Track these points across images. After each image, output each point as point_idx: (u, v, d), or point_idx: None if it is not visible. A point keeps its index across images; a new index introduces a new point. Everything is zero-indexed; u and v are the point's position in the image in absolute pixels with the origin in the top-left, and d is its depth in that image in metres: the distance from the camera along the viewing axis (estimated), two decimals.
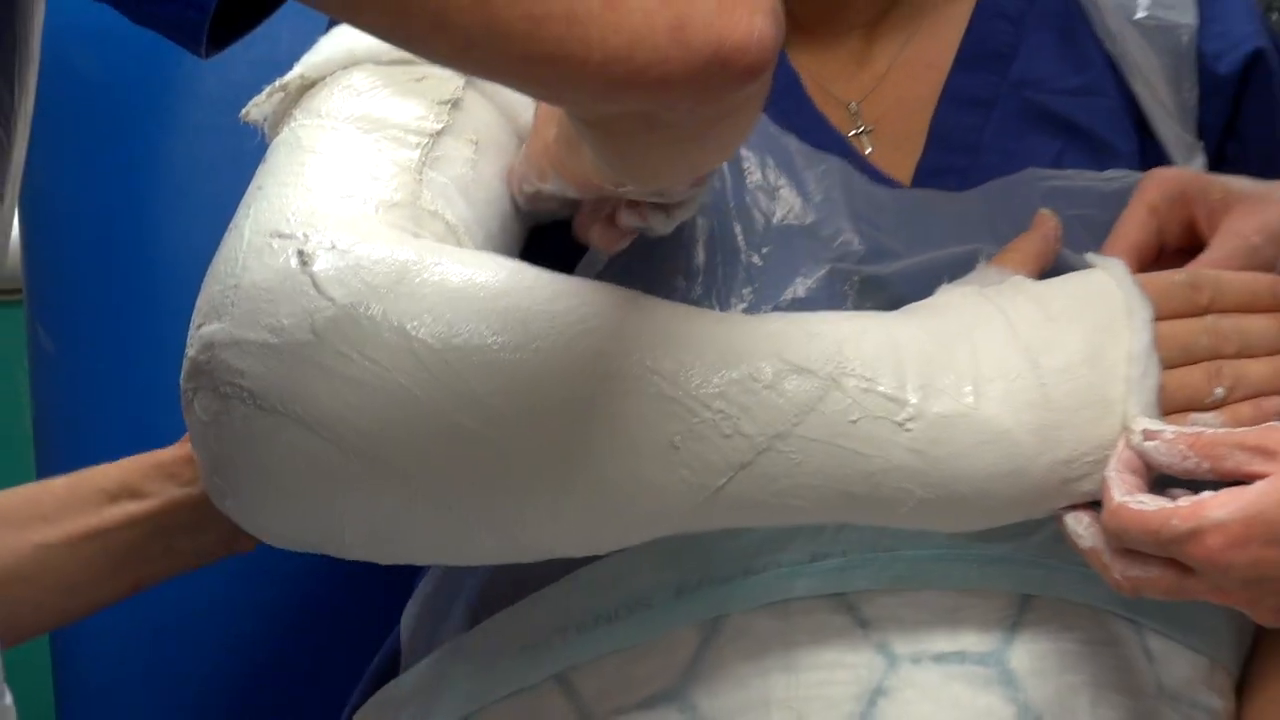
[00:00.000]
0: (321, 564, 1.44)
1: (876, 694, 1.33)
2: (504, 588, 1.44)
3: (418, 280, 1.26)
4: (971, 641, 1.35)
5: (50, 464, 1.78)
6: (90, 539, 1.49)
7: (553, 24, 1.03)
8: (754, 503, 1.29)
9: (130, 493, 1.51)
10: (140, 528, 1.50)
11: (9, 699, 1.21)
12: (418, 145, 1.38)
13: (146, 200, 1.64)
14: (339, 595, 1.59)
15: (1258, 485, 1.17)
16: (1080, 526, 1.26)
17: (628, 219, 1.39)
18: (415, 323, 1.24)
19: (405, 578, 1.53)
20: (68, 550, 1.48)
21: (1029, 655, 1.35)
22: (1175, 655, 1.41)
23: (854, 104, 1.58)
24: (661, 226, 1.40)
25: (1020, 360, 1.31)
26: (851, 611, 1.36)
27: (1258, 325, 1.37)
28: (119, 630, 1.74)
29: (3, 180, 1.17)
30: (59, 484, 1.54)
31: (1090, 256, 1.40)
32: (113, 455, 1.51)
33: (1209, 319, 1.36)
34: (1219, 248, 1.43)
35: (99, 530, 1.49)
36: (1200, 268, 1.41)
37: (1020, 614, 1.37)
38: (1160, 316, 1.34)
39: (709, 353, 1.28)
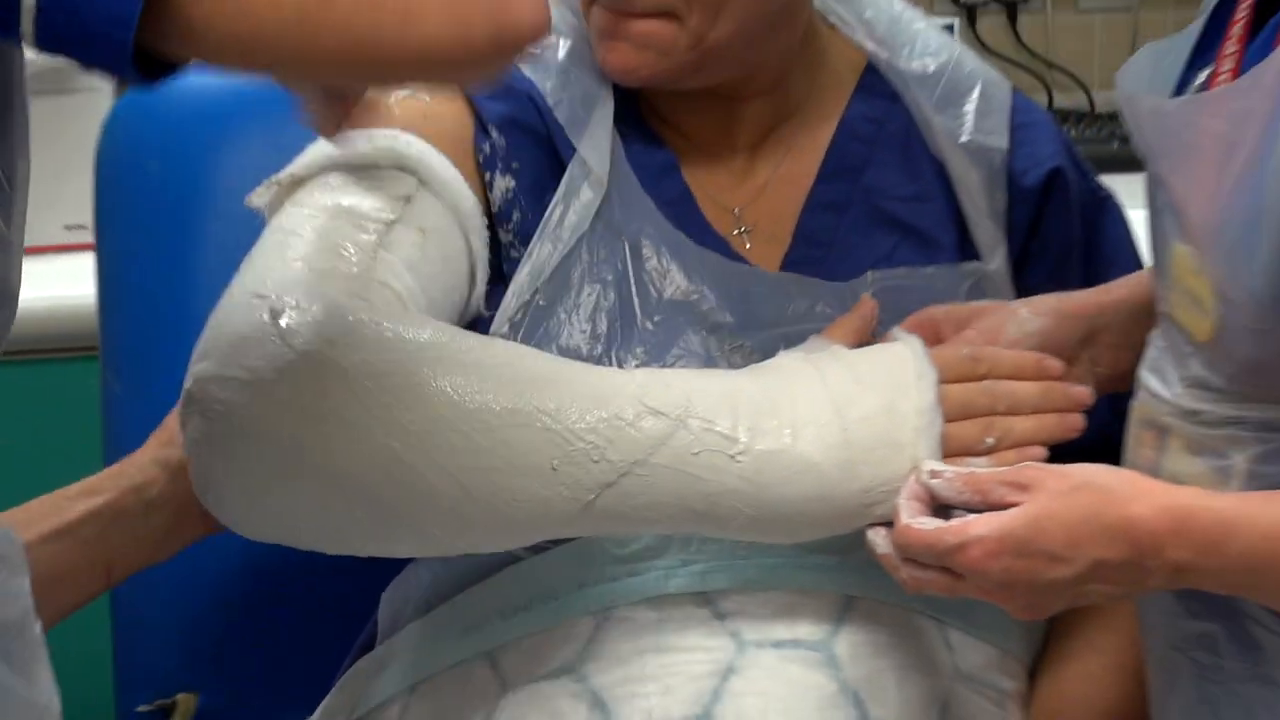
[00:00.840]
0: (322, 561, 1.42)
1: (729, 671, 1.35)
2: (448, 585, 1.46)
3: (359, 335, 1.29)
4: (805, 631, 1.37)
5: None
6: (60, 535, 1.48)
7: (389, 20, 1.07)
8: (618, 514, 1.32)
9: (88, 492, 1.51)
10: (99, 519, 1.50)
11: (38, 628, 1.23)
12: (375, 230, 1.39)
13: (199, 267, 1.65)
14: (332, 585, 1.57)
15: (1011, 511, 1.21)
16: (878, 538, 1.29)
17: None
18: (355, 367, 1.28)
19: (387, 573, 1.54)
20: (42, 548, 1.45)
21: (849, 644, 1.38)
22: (971, 646, 1.43)
23: (737, 209, 1.57)
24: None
25: (829, 410, 1.34)
26: (711, 605, 1.38)
27: (1024, 390, 1.40)
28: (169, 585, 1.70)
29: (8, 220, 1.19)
30: (34, 502, 1.53)
31: (895, 331, 1.43)
32: None
33: (986, 383, 1.40)
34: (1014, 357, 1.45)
35: (66, 527, 1.49)
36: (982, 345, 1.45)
37: (844, 611, 1.40)
38: (945, 380, 1.37)
39: (584, 397, 1.31)
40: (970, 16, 3.06)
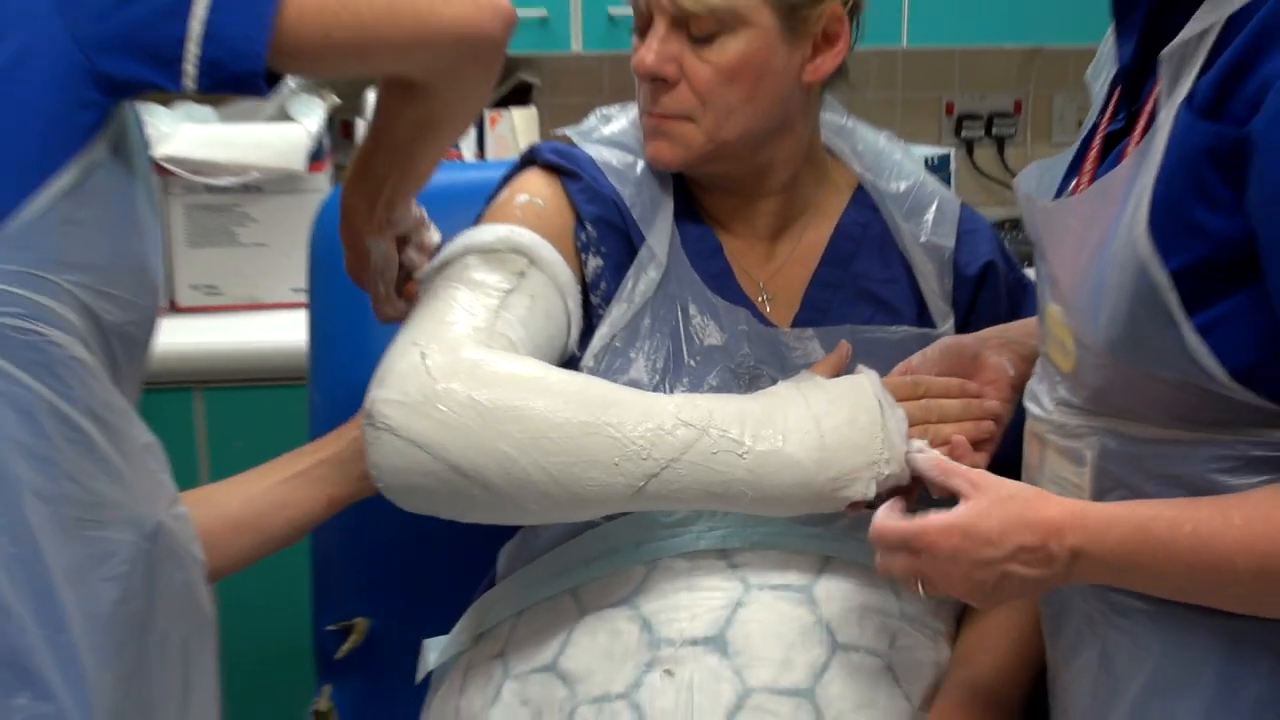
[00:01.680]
0: (459, 526, 1.47)
1: (738, 605, 1.41)
2: (544, 544, 1.53)
3: (482, 370, 1.37)
4: (794, 579, 1.44)
5: None
6: (297, 477, 1.56)
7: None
8: (660, 496, 1.38)
9: (316, 449, 1.58)
10: (324, 465, 1.56)
11: (181, 508, 1.32)
12: (497, 297, 1.45)
13: (376, 321, 1.62)
14: (465, 542, 1.58)
15: (961, 506, 1.24)
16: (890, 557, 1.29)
17: (405, 258, 1.53)
18: (478, 393, 1.35)
19: (502, 536, 1.60)
20: (282, 486, 1.55)
21: (825, 589, 1.44)
22: (913, 596, 1.42)
23: (762, 282, 1.59)
24: (416, 262, 1.54)
25: (810, 422, 1.39)
26: (727, 559, 1.45)
27: (950, 405, 1.45)
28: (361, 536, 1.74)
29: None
30: (279, 457, 1.60)
31: (859, 367, 1.47)
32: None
33: (923, 401, 1.45)
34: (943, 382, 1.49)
35: (301, 471, 1.56)
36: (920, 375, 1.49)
37: (823, 566, 1.46)
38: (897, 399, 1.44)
39: (637, 414, 1.37)
40: (969, 148, 3.07)
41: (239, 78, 1.17)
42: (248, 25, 1.16)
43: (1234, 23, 1.10)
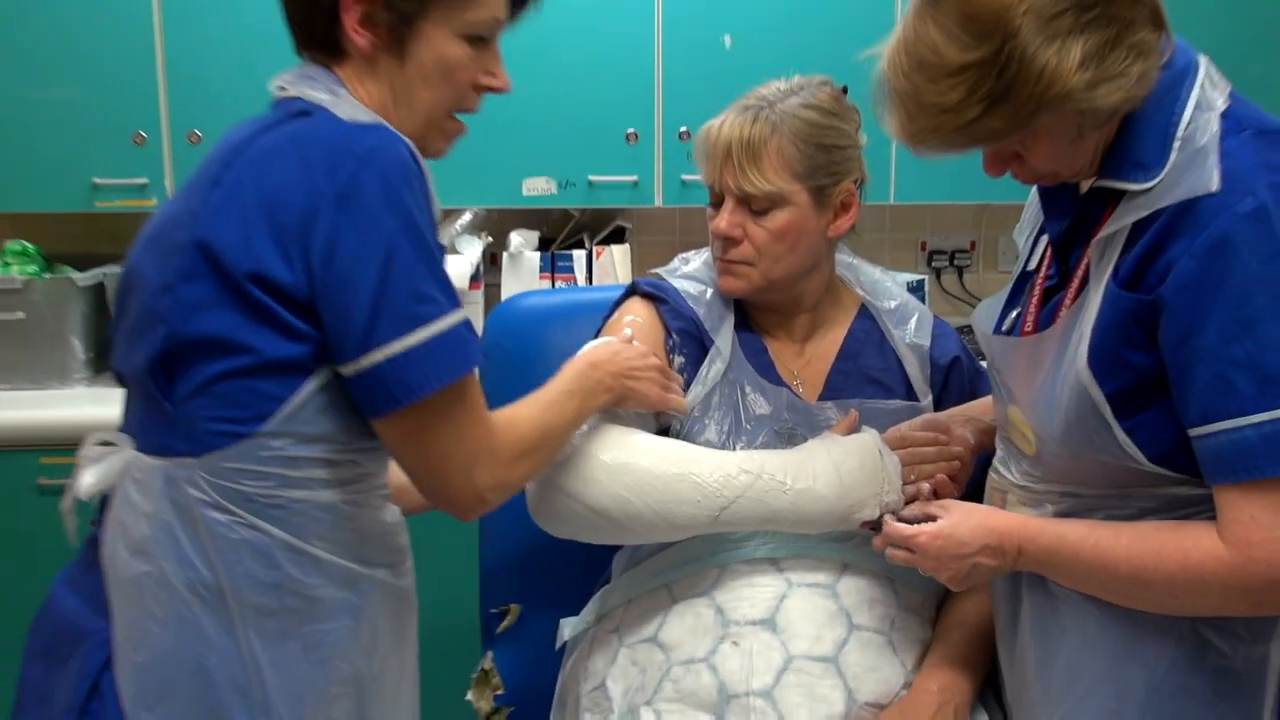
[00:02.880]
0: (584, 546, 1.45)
1: (783, 597, 1.41)
2: (646, 553, 1.52)
3: (606, 438, 1.39)
4: (822, 579, 1.43)
5: None
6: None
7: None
8: (729, 522, 1.40)
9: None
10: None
11: (396, 514, 1.23)
12: None
13: None
14: (590, 550, 1.51)
15: (941, 520, 1.26)
16: (876, 539, 1.33)
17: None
18: (604, 454, 1.37)
19: (615, 547, 1.55)
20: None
21: (845, 586, 1.44)
22: (908, 593, 1.46)
23: (795, 371, 1.57)
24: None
25: (831, 468, 1.40)
26: (776, 565, 1.44)
27: (928, 452, 1.44)
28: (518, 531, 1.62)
29: None
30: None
31: (865, 428, 1.47)
32: None
33: (908, 450, 1.44)
34: (922, 434, 1.47)
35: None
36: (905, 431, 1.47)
37: (844, 570, 1.45)
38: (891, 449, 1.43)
39: (711, 465, 1.39)
40: (938, 275, 3.01)
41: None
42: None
43: (1141, 224, 1.11)
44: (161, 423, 1.12)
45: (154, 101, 2.42)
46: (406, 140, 1.09)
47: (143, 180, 2.44)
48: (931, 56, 1.07)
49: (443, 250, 1.12)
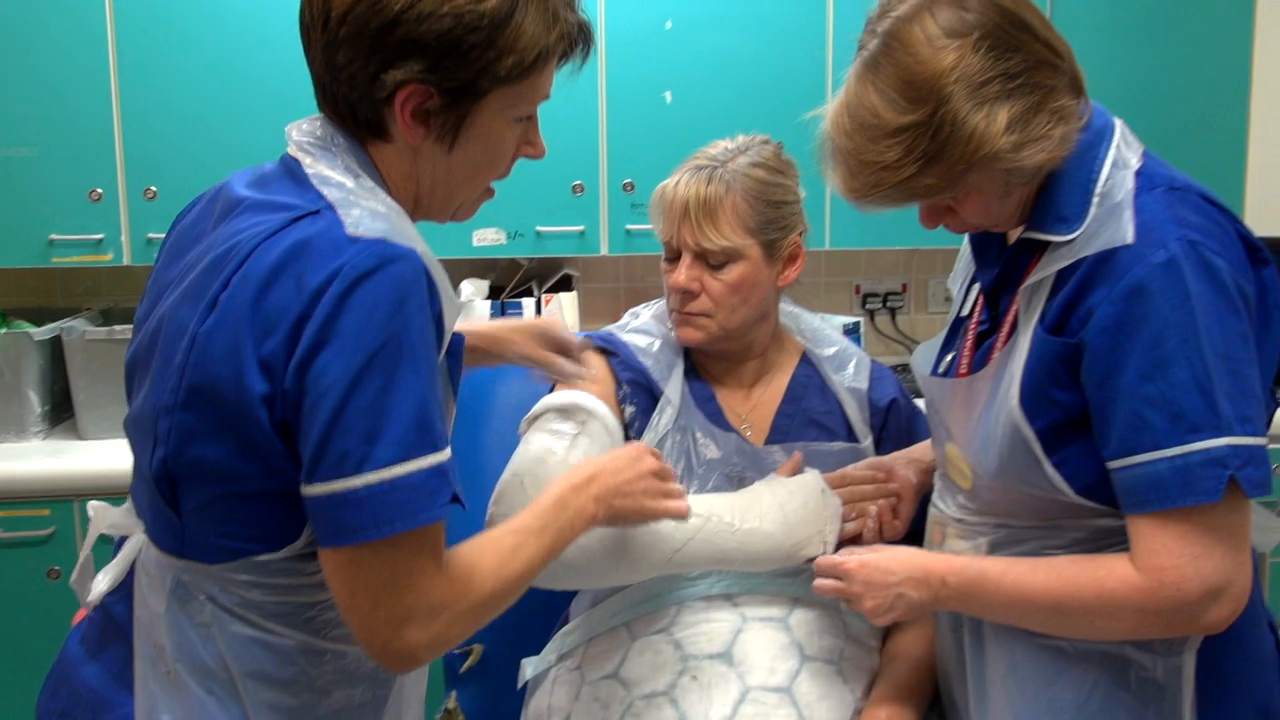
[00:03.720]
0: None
1: (739, 631, 1.42)
2: (606, 593, 1.51)
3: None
4: (776, 612, 1.45)
5: None
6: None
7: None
8: (683, 564, 1.41)
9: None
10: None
11: None
12: (569, 438, 1.47)
13: (490, 464, 1.54)
14: (549, 593, 1.48)
15: (867, 551, 1.29)
16: (822, 582, 1.32)
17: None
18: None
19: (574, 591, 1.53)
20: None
21: (796, 620, 1.45)
22: (858, 623, 1.47)
23: (743, 415, 1.59)
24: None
25: (776, 508, 1.43)
26: (731, 600, 1.46)
27: (868, 489, 1.47)
28: None
29: None
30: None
31: (808, 469, 1.48)
32: None
33: (849, 488, 1.48)
34: (861, 473, 1.51)
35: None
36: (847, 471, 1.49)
37: (794, 604, 1.46)
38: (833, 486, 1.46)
39: None
40: (871, 317, 3.03)
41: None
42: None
43: (1064, 273, 1.16)
44: (171, 525, 1.07)
45: (111, 158, 2.42)
46: (412, 252, 0.99)
47: (99, 236, 2.43)
48: (871, 119, 1.12)
49: (434, 372, 1.01)
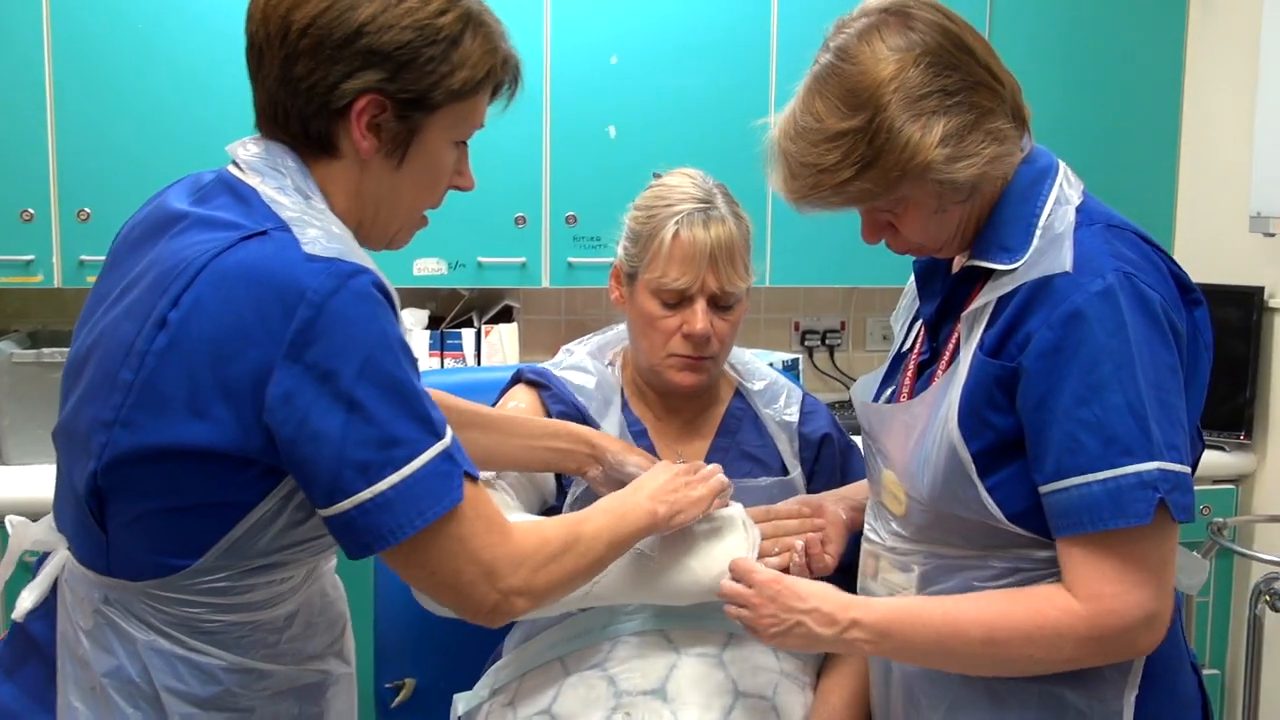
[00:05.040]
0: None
1: (674, 667, 1.42)
2: (539, 627, 1.50)
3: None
4: (710, 649, 1.44)
5: None
6: (541, 445, 1.46)
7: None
8: (601, 597, 1.39)
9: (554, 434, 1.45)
10: (562, 439, 1.45)
11: (337, 584, 1.21)
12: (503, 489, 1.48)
13: None
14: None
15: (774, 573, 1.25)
16: (731, 583, 1.28)
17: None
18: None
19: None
20: (537, 444, 1.46)
21: (730, 655, 1.44)
22: (788, 659, 1.48)
23: (679, 450, 1.59)
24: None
25: (696, 541, 1.39)
26: (665, 635, 1.46)
27: (792, 524, 1.46)
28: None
29: None
30: (532, 421, 1.49)
31: (730, 504, 1.43)
32: None
33: (774, 522, 1.46)
34: (786, 508, 1.50)
35: (546, 444, 1.45)
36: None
37: (728, 640, 1.46)
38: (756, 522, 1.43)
39: None
40: (810, 353, 3.05)
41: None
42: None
43: (1004, 300, 1.18)
44: (96, 541, 1.08)
45: (44, 178, 2.38)
46: (369, 269, 1.02)
47: (29, 257, 2.39)
48: (814, 123, 1.16)
49: (416, 371, 1.04)
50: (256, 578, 1.09)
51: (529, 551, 1.09)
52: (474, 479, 1.06)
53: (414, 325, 2.71)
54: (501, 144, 2.58)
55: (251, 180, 1.07)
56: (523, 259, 2.62)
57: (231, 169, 1.10)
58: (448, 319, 2.82)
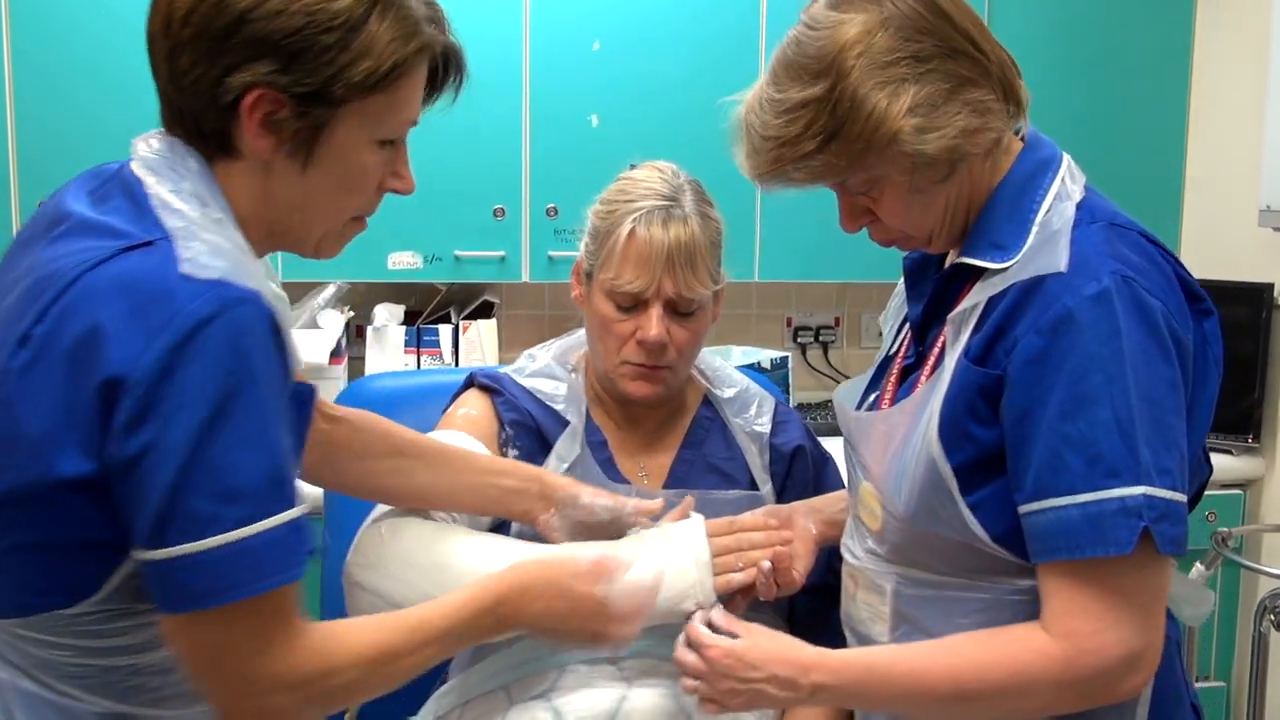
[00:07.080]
0: None
1: (623, 699, 1.36)
2: (485, 653, 1.44)
3: (424, 538, 1.35)
4: (663, 678, 1.37)
5: None
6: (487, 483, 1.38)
7: None
8: None
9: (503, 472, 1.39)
10: (511, 478, 1.38)
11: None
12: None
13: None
14: None
15: (739, 639, 1.21)
16: (684, 652, 1.24)
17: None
18: (419, 556, 1.33)
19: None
20: (482, 482, 1.38)
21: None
22: None
23: (641, 463, 1.55)
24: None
25: (652, 557, 1.34)
26: (615, 664, 1.39)
27: (756, 536, 1.39)
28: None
29: None
30: (480, 456, 1.42)
31: (692, 514, 1.40)
32: None
33: (737, 535, 1.39)
34: (752, 519, 1.43)
35: (492, 482, 1.38)
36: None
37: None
38: (714, 535, 1.37)
39: (522, 556, 1.29)
40: (803, 351, 3.01)
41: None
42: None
43: (993, 301, 1.12)
44: None
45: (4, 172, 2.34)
46: (252, 294, 0.94)
47: None
48: (778, 94, 1.12)
49: (291, 426, 0.98)
50: (131, 620, 1.00)
51: (317, 671, 0.99)
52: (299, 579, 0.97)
53: (389, 321, 2.67)
54: (479, 133, 2.55)
55: (148, 181, 1.00)
56: (502, 253, 2.57)
57: (134, 166, 1.02)
58: (424, 315, 2.78)
